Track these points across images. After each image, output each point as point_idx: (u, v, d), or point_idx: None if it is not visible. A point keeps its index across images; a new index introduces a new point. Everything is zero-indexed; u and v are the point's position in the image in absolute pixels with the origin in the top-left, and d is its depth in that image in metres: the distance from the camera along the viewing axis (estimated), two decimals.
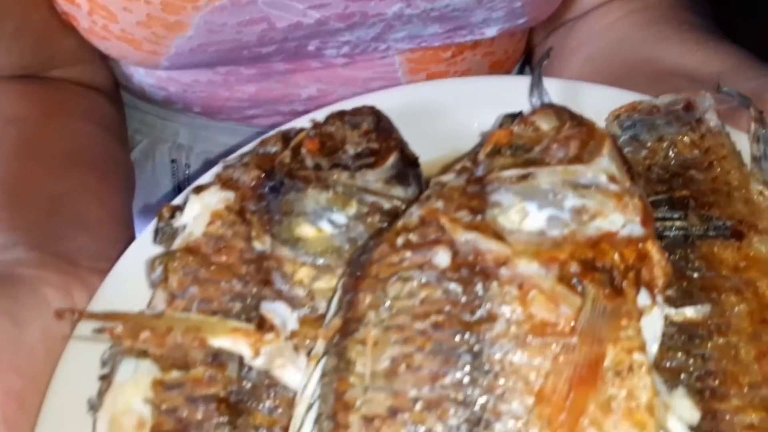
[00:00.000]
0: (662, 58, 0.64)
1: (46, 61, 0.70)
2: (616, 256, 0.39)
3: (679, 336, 0.42)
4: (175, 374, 0.42)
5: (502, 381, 0.37)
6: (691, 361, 0.41)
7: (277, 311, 0.42)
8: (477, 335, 0.38)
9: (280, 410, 0.42)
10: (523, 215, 0.40)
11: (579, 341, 0.36)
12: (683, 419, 0.38)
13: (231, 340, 0.40)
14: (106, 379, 0.45)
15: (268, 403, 0.42)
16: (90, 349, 0.46)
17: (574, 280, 0.38)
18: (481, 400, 0.36)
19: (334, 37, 0.65)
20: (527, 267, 0.38)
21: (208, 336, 0.40)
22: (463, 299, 0.38)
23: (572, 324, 0.37)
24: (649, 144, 0.52)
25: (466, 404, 0.37)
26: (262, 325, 0.41)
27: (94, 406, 0.44)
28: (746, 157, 0.51)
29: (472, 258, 0.39)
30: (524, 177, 0.42)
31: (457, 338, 0.38)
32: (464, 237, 0.40)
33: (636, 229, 0.40)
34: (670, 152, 0.51)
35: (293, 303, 0.43)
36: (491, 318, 0.38)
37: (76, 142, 0.66)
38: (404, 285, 0.40)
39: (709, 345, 0.42)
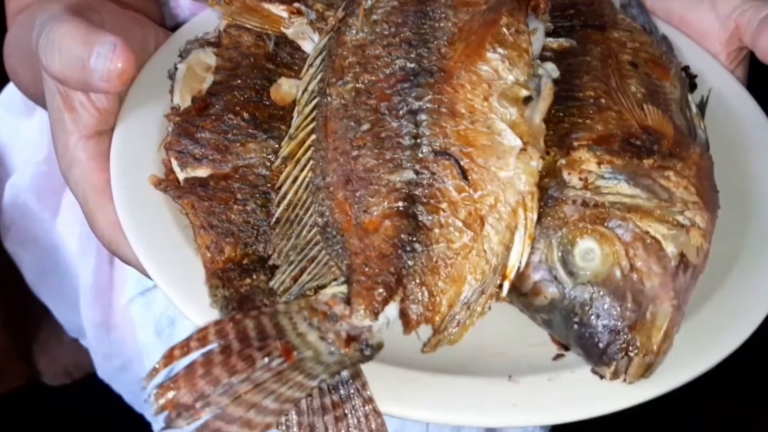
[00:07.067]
0: None
1: None
2: None
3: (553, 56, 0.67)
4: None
5: (439, 24, 0.61)
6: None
7: (303, 7, 0.67)
8: (427, 6, 0.62)
9: (297, 67, 0.65)
10: None
11: (487, 8, 0.61)
12: (548, 70, 0.62)
13: (275, 7, 0.64)
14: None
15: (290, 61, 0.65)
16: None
17: None
18: (427, 31, 0.61)
19: None
20: None
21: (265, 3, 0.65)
22: None
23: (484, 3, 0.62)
24: None
25: (420, 34, 0.61)
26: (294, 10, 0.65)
27: (172, 74, 0.68)
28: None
29: None
30: None
31: (417, 7, 0.62)
32: None
33: None
34: None
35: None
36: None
37: None
38: None
39: (572, 61, 0.66)
